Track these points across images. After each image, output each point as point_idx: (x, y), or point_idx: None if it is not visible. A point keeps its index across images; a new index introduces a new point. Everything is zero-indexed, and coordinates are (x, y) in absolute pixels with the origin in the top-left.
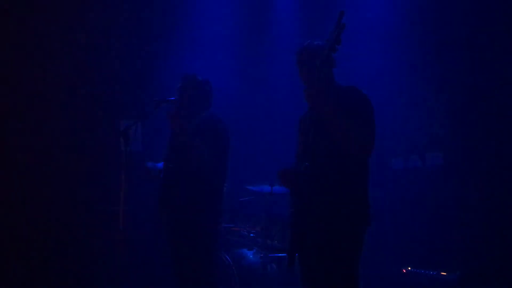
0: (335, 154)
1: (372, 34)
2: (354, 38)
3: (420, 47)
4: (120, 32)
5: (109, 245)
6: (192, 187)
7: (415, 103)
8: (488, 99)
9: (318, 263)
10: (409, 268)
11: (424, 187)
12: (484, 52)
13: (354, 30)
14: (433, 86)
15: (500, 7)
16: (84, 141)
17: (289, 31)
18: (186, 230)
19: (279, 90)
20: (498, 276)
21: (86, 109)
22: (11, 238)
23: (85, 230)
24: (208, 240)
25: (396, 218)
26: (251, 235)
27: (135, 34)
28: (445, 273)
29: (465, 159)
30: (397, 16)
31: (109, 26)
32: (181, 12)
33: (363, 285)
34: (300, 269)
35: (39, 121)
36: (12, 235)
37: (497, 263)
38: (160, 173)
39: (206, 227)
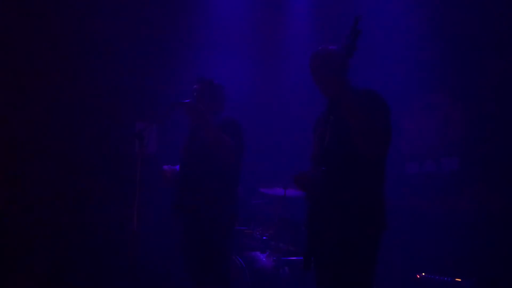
0: (352, 158)
1: (387, 39)
2: (369, 42)
3: (435, 52)
4: (135, 34)
5: (122, 246)
6: (210, 190)
7: (431, 108)
8: (504, 104)
9: (334, 267)
10: (424, 274)
11: (439, 192)
12: (500, 56)
13: (369, 34)
14: (449, 90)
15: None
16: (99, 142)
17: (303, 32)
18: (203, 232)
19: (293, 92)
20: None
21: (101, 111)
22: (24, 239)
23: (99, 231)
24: (224, 243)
25: (410, 223)
26: (264, 238)
27: (150, 36)
28: (460, 280)
29: (481, 164)
30: (412, 20)
31: (125, 28)
32: (196, 15)
33: None
34: (315, 272)
35: (53, 122)
36: (25, 236)
37: None
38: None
39: (223, 229)
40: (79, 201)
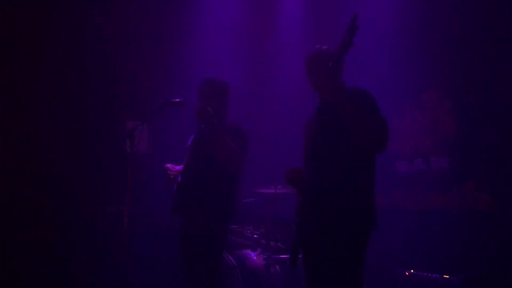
0: (342, 156)
1: (377, 37)
2: (358, 41)
3: (425, 51)
4: (126, 34)
5: (113, 245)
6: (210, 192)
7: (420, 107)
8: (494, 102)
9: (322, 264)
10: (412, 271)
11: (428, 190)
12: (490, 55)
13: (359, 33)
14: (439, 89)
15: (507, 8)
16: (90, 142)
17: (297, 33)
18: (202, 231)
19: (285, 92)
20: (501, 280)
21: (92, 110)
22: (15, 239)
23: (89, 231)
24: (220, 241)
25: (399, 220)
26: (255, 236)
27: (140, 36)
28: (447, 276)
29: (470, 163)
30: (403, 19)
31: (115, 28)
32: (187, 14)
33: (366, 287)
34: (304, 270)
35: (43, 121)
36: (15, 236)
37: (500, 267)
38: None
39: (221, 228)
40: (69, 200)
